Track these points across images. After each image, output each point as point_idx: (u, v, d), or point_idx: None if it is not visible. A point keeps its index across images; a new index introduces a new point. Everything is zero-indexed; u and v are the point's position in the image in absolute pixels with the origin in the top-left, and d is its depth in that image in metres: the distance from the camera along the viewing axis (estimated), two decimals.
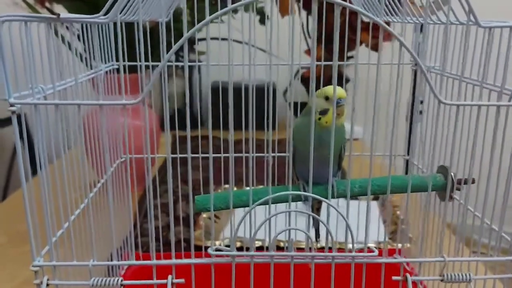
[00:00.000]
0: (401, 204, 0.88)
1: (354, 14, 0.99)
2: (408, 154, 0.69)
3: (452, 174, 0.52)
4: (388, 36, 0.99)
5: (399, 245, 0.71)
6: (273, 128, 0.56)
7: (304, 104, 0.56)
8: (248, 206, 0.52)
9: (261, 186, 0.94)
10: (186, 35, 0.37)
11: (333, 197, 0.52)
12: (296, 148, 0.52)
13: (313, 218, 0.61)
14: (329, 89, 0.49)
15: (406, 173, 1.31)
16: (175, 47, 0.37)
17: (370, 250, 0.41)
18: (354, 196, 0.53)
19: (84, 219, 0.48)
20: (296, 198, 0.53)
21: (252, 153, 0.48)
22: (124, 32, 0.56)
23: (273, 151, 0.68)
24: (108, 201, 0.59)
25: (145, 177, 0.95)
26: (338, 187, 0.52)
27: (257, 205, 0.41)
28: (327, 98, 0.49)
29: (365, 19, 0.68)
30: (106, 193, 0.59)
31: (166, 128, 0.44)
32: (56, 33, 0.46)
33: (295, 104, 0.74)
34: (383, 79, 0.46)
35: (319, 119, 0.49)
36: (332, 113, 0.48)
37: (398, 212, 0.84)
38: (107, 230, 0.46)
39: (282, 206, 0.52)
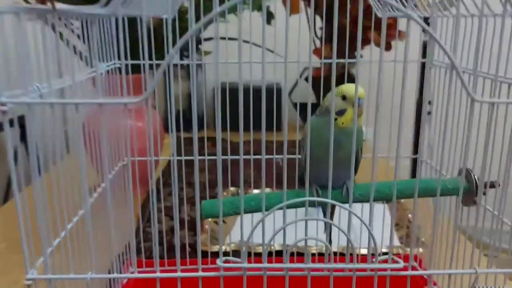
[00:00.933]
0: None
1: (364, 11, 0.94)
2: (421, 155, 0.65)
3: (475, 177, 0.49)
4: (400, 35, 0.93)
5: (416, 252, 0.67)
6: (281, 129, 0.52)
7: (313, 105, 0.52)
8: (257, 211, 0.48)
9: (268, 189, 0.90)
10: (193, 28, 0.33)
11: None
12: (309, 149, 0.48)
13: (325, 222, 0.57)
14: (346, 88, 0.45)
15: (414, 174, 1.27)
16: (180, 41, 0.34)
17: (394, 260, 0.37)
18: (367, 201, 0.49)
19: (83, 227, 0.45)
20: (308, 203, 0.49)
21: (262, 155, 0.44)
22: (127, 30, 0.53)
23: (282, 153, 0.64)
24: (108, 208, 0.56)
25: (148, 180, 0.91)
26: (354, 192, 0.48)
27: (271, 212, 0.37)
28: (344, 98, 0.45)
29: (379, 15, 0.64)
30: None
31: (172, 129, 0.40)
32: (53, 28, 0.42)
33: (303, 105, 0.71)
34: (388, 77, 0.42)
35: (335, 119, 0.45)
36: (352, 113, 0.45)
37: (409, 216, 0.80)
38: (108, 237, 0.43)
39: (291, 210, 0.48)
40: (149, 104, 0.36)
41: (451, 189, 0.48)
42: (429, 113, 1.35)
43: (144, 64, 0.55)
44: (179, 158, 0.63)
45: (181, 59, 0.71)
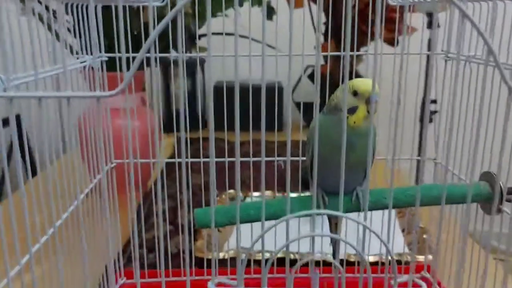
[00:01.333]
0: (421, 212, 0.77)
1: (367, 6, 0.88)
2: (438, 157, 0.58)
3: (501, 182, 0.42)
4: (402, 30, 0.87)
5: (425, 259, 0.61)
6: (282, 129, 0.46)
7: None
8: (257, 221, 0.42)
9: (268, 192, 0.84)
10: (175, 9, 0.27)
11: (359, 209, 0.42)
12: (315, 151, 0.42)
13: (331, 231, 0.51)
14: (358, 82, 0.39)
15: (417, 176, 1.21)
16: (155, 32, 0.27)
17: (415, 284, 0.31)
18: (382, 208, 0.43)
19: (67, 231, 0.39)
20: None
21: (262, 157, 0.39)
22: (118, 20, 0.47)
23: (283, 154, 0.58)
24: (98, 214, 0.50)
25: (144, 183, 0.85)
26: (364, 199, 0.42)
27: (272, 227, 0.30)
28: (355, 93, 0.39)
29: (391, 2, 0.57)
30: (95, 199, 0.49)
31: (159, 128, 0.35)
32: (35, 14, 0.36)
33: (306, 104, 0.65)
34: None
35: (346, 118, 0.39)
36: (364, 111, 0.39)
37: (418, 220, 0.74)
38: (97, 243, 0.37)
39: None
40: (127, 99, 0.30)
41: (473, 196, 0.42)
42: (435, 112, 1.27)
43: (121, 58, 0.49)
44: (172, 160, 0.57)
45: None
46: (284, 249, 0.33)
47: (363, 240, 0.30)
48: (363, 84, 0.38)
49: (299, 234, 0.50)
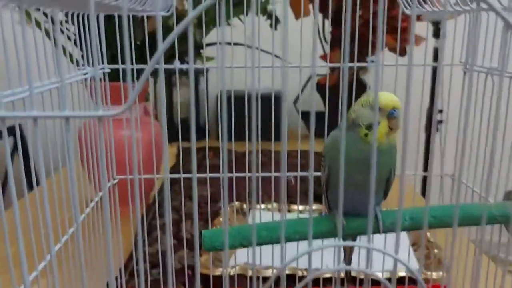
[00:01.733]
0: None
1: (375, 14, 0.85)
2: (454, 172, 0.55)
3: None
4: (416, 39, 0.84)
5: (438, 276, 0.57)
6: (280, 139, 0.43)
7: (321, 114, 0.44)
8: (270, 243, 0.39)
9: (275, 205, 0.79)
10: (186, 20, 0.24)
11: (379, 232, 0.38)
12: (332, 170, 0.39)
13: (345, 254, 0.48)
14: (379, 96, 0.35)
15: (423, 191, 1.17)
16: (165, 43, 0.24)
17: None
18: (402, 230, 0.40)
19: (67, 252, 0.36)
20: (328, 234, 0.40)
21: (280, 171, 0.35)
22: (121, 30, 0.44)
23: (291, 167, 0.55)
24: (101, 229, 0.46)
25: (147, 194, 0.82)
26: (384, 220, 0.38)
27: (292, 261, 0.27)
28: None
29: (407, 12, 0.54)
30: (99, 214, 0.46)
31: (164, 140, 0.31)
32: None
33: (309, 113, 0.62)
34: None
35: (366, 135, 0.35)
36: (386, 126, 0.36)
37: (428, 234, 0.70)
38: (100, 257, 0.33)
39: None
40: (132, 118, 0.27)
41: (499, 217, 0.39)
42: (440, 122, 1.22)
43: (132, 70, 0.46)
44: (177, 176, 0.54)
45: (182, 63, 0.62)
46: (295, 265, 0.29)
47: (394, 271, 0.26)
48: (385, 98, 0.35)
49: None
